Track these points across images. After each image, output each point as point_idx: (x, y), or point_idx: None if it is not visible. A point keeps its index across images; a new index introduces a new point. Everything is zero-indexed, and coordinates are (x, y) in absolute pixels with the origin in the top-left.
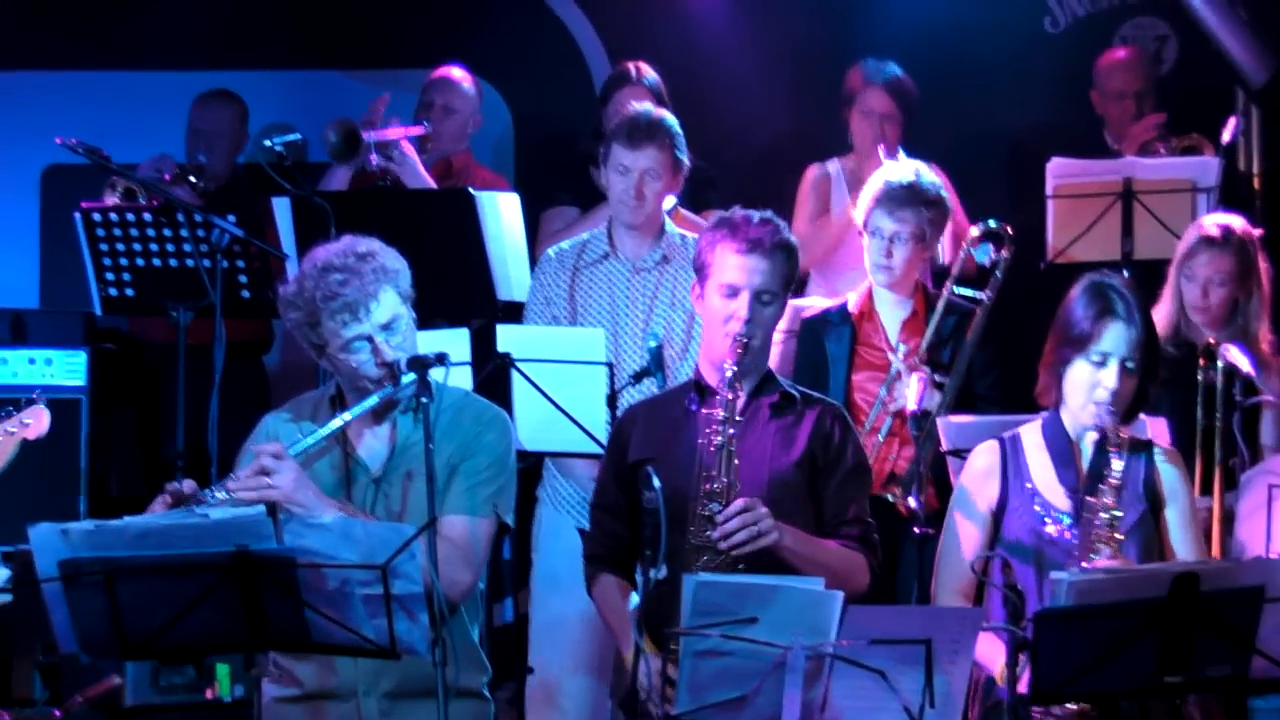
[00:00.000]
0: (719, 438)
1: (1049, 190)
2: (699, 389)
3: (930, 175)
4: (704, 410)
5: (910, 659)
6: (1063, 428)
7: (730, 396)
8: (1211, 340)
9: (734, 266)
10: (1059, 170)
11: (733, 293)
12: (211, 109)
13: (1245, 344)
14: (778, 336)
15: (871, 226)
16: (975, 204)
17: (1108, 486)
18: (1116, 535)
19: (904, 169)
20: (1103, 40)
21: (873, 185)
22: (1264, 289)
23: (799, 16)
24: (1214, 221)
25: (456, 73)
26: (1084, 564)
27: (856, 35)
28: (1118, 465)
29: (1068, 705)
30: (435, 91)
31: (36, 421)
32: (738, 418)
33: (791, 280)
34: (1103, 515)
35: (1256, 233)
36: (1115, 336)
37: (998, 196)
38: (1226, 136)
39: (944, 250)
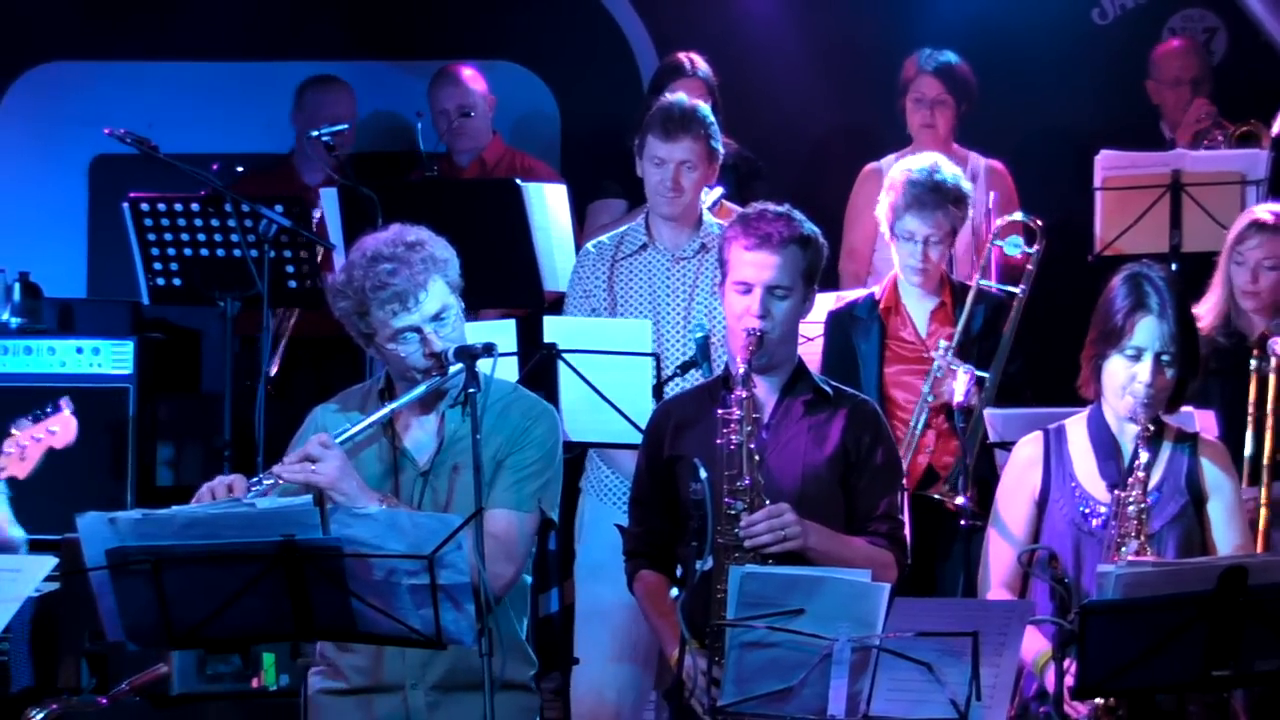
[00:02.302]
0: (737, 436)
1: (1097, 182)
2: (727, 384)
3: (949, 168)
4: (719, 411)
5: (957, 652)
6: (1105, 421)
7: (744, 395)
8: (1266, 330)
9: (746, 263)
10: (1108, 162)
11: (746, 289)
12: (329, 92)
13: None
14: (816, 330)
15: (903, 231)
16: (1024, 196)
17: (1135, 479)
18: (1145, 528)
19: (921, 164)
20: (1152, 32)
21: (894, 187)
22: None
23: (846, 9)
24: (1265, 208)
25: (467, 72)
26: (1114, 556)
27: (905, 28)
28: (1144, 457)
29: (1095, 700)
30: (446, 98)
31: (64, 430)
32: (755, 415)
33: (814, 272)
34: (1130, 507)
35: None
36: (1147, 331)
37: (1046, 189)
38: (1276, 129)
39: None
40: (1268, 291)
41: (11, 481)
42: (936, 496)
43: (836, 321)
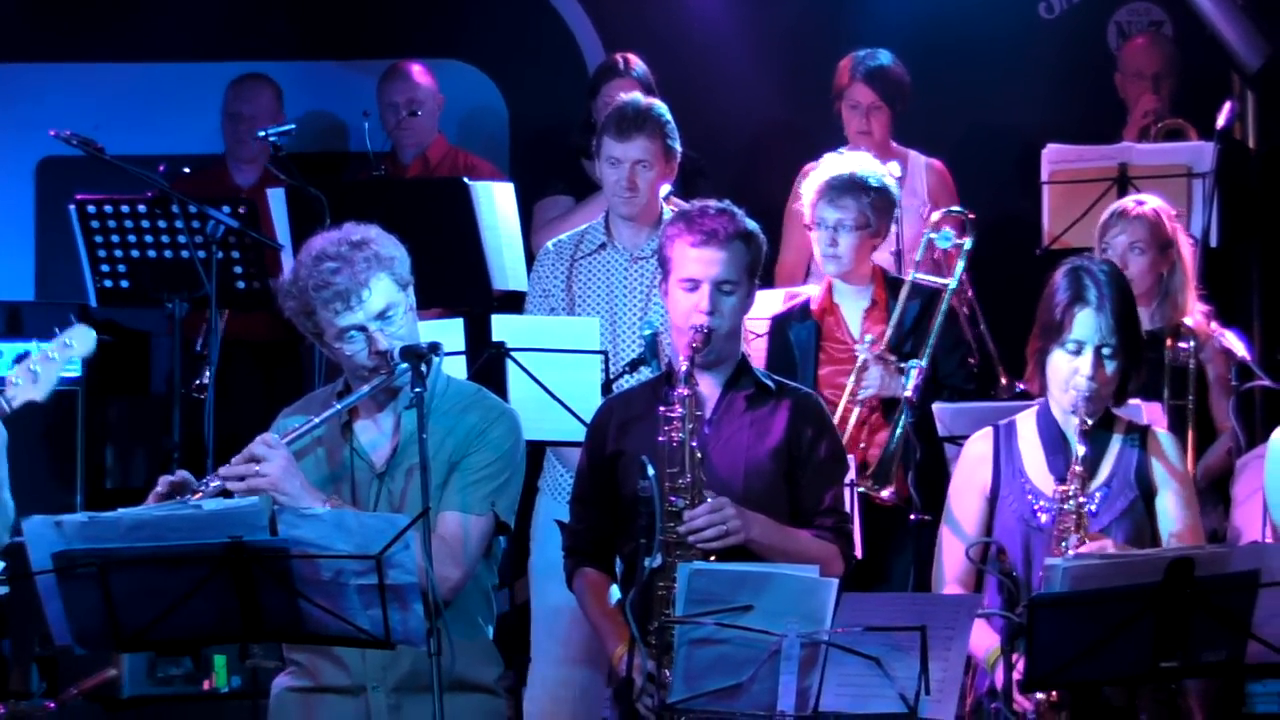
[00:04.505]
0: (679, 434)
1: (1044, 176)
2: (670, 381)
3: (873, 166)
4: (662, 409)
5: (905, 646)
6: (1053, 416)
7: (687, 393)
8: (1188, 322)
9: (692, 259)
10: (1055, 156)
11: (693, 286)
12: (248, 90)
13: (1173, 315)
14: (762, 326)
15: (816, 218)
16: (971, 191)
17: (1073, 474)
18: (1085, 522)
19: (846, 161)
20: (1098, 26)
21: (815, 180)
22: (1186, 263)
23: (793, 6)
24: (1129, 198)
25: (416, 69)
26: (1056, 551)
27: (850, 25)
28: (1081, 451)
29: (1037, 695)
30: (395, 91)
31: (80, 340)
32: (698, 412)
33: (756, 267)
34: (1069, 503)
35: (1174, 212)
36: (1086, 324)
37: (993, 183)
38: (1221, 121)
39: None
40: (1139, 277)
41: (30, 406)
42: (861, 490)
43: (776, 325)
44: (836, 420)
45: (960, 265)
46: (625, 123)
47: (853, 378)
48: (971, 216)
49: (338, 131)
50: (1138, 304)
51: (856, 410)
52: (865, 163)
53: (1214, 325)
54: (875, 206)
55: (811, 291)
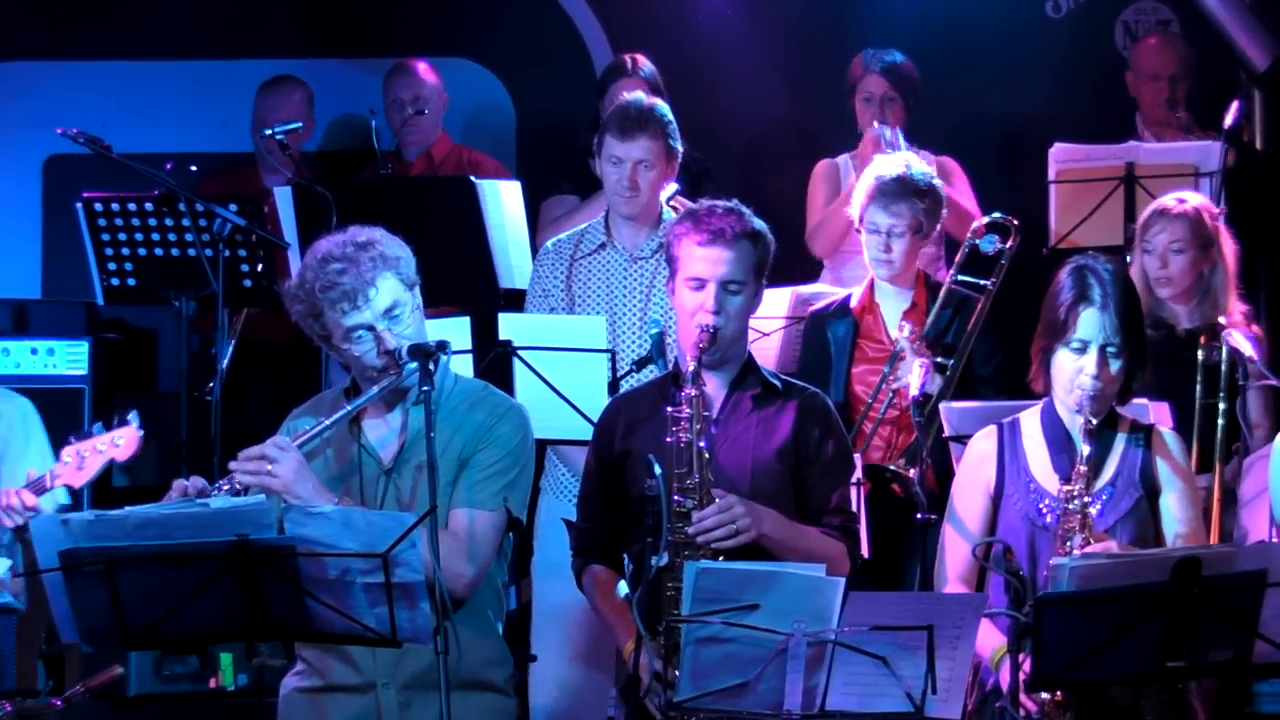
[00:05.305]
0: (686, 434)
1: (1051, 175)
2: (677, 381)
3: (921, 166)
4: (669, 409)
5: (912, 645)
6: (1057, 415)
7: (694, 393)
8: (1222, 321)
9: (698, 258)
10: (1062, 155)
11: (699, 285)
12: (275, 95)
13: (1213, 314)
14: (769, 325)
15: (868, 223)
16: (978, 190)
17: (1077, 473)
18: (1090, 522)
19: (895, 162)
20: (1105, 25)
21: (865, 182)
22: (1227, 262)
23: (801, 6)
24: (1170, 196)
25: (422, 66)
26: (1060, 550)
27: (857, 25)
28: (1086, 450)
29: (1043, 695)
30: (402, 87)
31: (127, 442)
32: (705, 413)
33: (763, 267)
34: (1073, 503)
35: (1217, 210)
36: (1090, 323)
37: (1001, 182)
38: (1228, 121)
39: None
40: (1179, 276)
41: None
42: (892, 468)
43: (814, 322)
44: (867, 412)
45: (1001, 268)
46: (628, 122)
47: (888, 367)
48: (1015, 222)
49: (347, 130)
50: (1178, 302)
51: (889, 401)
52: (914, 162)
53: (1254, 327)
54: (927, 210)
55: (832, 291)
